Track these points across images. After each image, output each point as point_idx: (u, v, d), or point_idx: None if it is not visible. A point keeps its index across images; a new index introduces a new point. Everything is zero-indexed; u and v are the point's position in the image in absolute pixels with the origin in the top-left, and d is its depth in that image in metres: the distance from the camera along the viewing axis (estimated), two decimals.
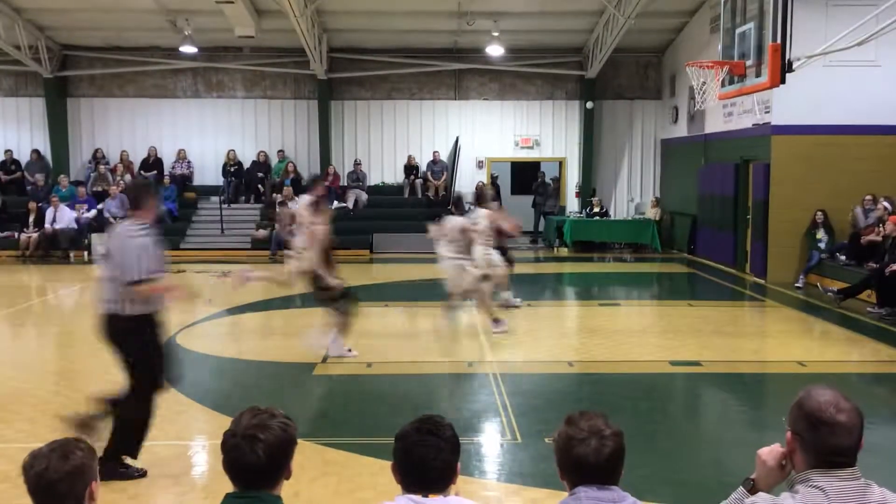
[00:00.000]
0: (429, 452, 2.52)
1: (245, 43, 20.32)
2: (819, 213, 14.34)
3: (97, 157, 21.14)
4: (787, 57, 9.26)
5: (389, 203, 21.22)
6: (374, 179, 21.90)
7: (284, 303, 13.13)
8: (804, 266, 14.41)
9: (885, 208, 13.25)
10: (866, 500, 2.26)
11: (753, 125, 15.40)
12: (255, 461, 2.45)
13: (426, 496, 2.51)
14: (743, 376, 8.77)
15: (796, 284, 14.14)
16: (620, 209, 22.14)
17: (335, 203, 20.65)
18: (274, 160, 21.50)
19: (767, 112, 14.80)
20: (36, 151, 21.17)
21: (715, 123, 17.55)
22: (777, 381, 8.74)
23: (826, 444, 2.26)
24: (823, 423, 2.26)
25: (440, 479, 2.54)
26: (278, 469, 2.51)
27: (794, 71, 9.38)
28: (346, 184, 21.13)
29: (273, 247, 18.84)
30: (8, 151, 21.14)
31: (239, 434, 2.48)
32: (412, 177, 21.41)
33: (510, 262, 11.89)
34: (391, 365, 8.95)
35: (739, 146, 16.23)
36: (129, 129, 21.69)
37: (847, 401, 2.32)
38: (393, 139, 21.95)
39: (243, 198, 21.05)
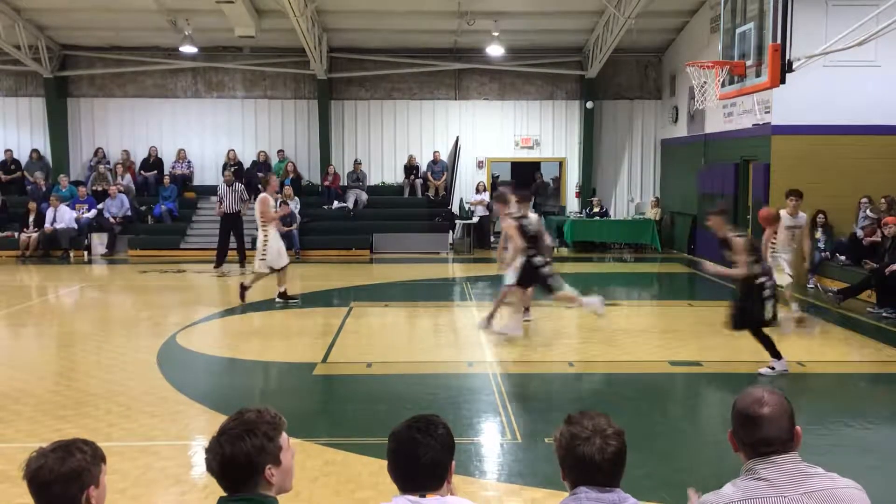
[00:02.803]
0: (418, 450, 2.51)
1: (245, 43, 20.33)
2: (820, 214, 14.31)
3: (97, 157, 21.16)
4: (787, 57, 9.26)
5: (389, 203, 21.23)
6: (374, 179, 21.90)
7: (284, 303, 13.11)
8: (809, 267, 14.37)
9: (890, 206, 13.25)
10: (809, 484, 2.40)
11: (753, 125, 15.41)
12: (210, 472, 2.49)
13: (423, 496, 2.51)
14: (742, 376, 8.76)
15: (809, 286, 14.08)
16: (620, 209, 22.14)
17: (335, 203, 20.68)
18: (274, 160, 21.50)
19: (767, 112, 14.80)
20: (36, 151, 21.17)
21: (715, 123, 17.56)
22: (777, 381, 8.73)
23: (754, 437, 2.46)
24: (749, 418, 2.48)
25: (431, 478, 2.53)
26: (240, 481, 2.49)
27: (794, 71, 9.38)
28: (346, 184, 21.13)
29: None
30: (8, 151, 21.15)
31: (214, 438, 2.51)
32: (412, 177, 21.42)
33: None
34: (391, 365, 8.95)
35: (739, 146, 16.23)
36: (129, 129, 21.69)
37: (774, 395, 2.53)
38: (393, 139, 21.96)
39: None
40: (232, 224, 17.04)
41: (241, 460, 2.46)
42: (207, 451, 2.50)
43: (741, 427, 2.50)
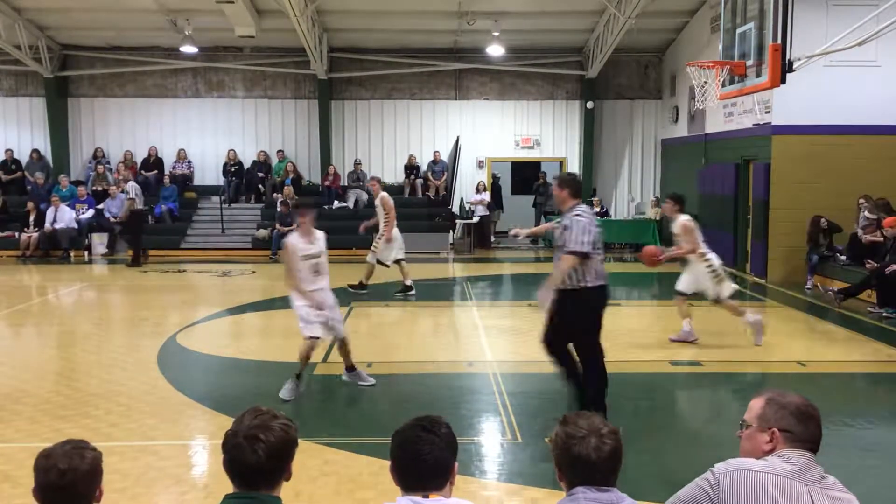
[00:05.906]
0: (423, 448, 2.51)
1: (245, 43, 20.33)
2: (823, 220, 14.15)
3: (97, 157, 21.17)
4: (788, 57, 9.26)
5: None
6: None
7: (285, 303, 13.12)
8: (807, 267, 14.35)
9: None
10: (825, 483, 2.53)
11: (754, 125, 15.40)
12: (256, 461, 2.44)
13: (426, 496, 2.50)
14: (743, 376, 8.77)
15: (806, 287, 14.01)
16: (620, 209, 22.15)
17: (335, 203, 20.68)
18: (274, 160, 21.51)
19: (767, 112, 14.79)
20: (36, 151, 21.18)
21: (715, 123, 17.55)
22: (777, 381, 8.73)
23: (814, 435, 2.60)
24: (810, 416, 2.62)
25: (436, 476, 2.52)
26: (278, 470, 2.51)
27: (794, 71, 9.38)
28: (346, 184, 21.13)
29: (274, 247, 18.85)
30: (8, 151, 21.16)
31: (241, 434, 2.48)
32: (412, 177, 21.42)
33: None
34: (391, 365, 8.95)
35: (739, 146, 16.23)
36: (129, 129, 21.71)
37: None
38: (393, 139, 21.96)
39: (244, 198, 21.07)
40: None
41: (284, 451, 2.50)
42: (252, 439, 2.45)
43: (800, 423, 2.59)
